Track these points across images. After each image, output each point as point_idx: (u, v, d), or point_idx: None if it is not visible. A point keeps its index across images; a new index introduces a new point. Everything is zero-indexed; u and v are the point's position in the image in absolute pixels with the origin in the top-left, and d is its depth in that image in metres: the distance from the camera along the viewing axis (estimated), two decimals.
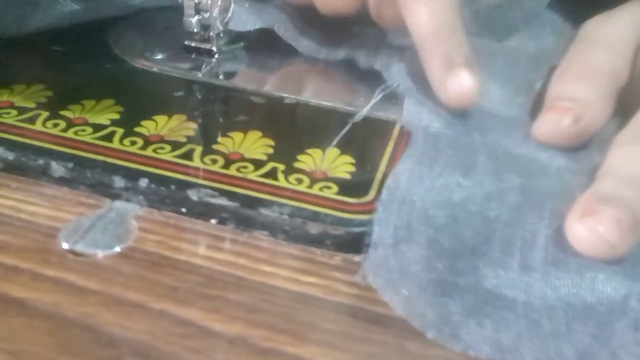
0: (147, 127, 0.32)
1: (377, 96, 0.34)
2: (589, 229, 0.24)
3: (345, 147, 0.32)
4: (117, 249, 0.26)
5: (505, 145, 0.30)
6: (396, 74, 0.35)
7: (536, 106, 0.33)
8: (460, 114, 0.32)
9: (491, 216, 0.26)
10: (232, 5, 0.40)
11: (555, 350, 0.21)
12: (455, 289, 0.24)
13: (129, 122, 0.32)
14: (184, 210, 0.28)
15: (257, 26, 0.39)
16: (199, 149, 0.31)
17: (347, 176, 0.30)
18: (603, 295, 0.23)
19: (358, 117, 0.33)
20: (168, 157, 0.30)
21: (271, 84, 0.37)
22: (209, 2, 0.38)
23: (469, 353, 0.22)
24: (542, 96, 0.33)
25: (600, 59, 0.32)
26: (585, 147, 0.30)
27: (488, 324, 0.22)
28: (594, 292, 0.23)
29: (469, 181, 0.28)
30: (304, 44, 0.39)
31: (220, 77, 0.38)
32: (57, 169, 0.29)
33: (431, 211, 0.26)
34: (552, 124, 0.30)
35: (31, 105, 0.33)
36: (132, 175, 0.29)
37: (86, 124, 0.32)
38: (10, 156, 0.30)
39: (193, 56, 0.39)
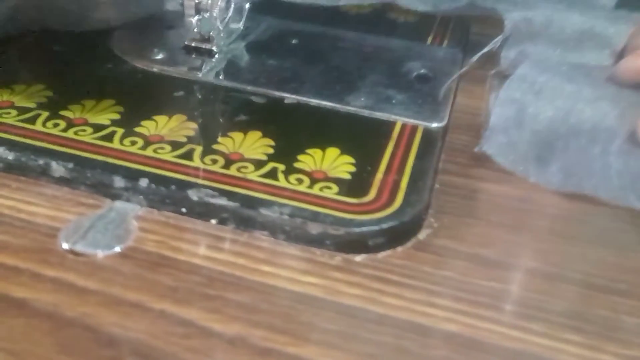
0: (147, 127, 0.32)
1: (497, 42, 0.39)
2: None
3: (345, 147, 0.32)
4: (117, 249, 0.26)
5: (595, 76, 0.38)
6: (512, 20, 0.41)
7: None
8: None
9: (583, 118, 0.34)
10: (232, 5, 0.40)
11: (624, 197, 0.31)
12: (550, 159, 0.33)
13: (129, 122, 0.32)
14: (184, 210, 0.28)
15: None
16: (199, 149, 0.31)
17: (347, 176, 0.30)
18: None
19: (473, 59, 0.38)
20: (168, 157, 0.30)
21: (271, 84, 0.37)
22: (209, 2, 0.38)
23: (561, 190, 0.31)
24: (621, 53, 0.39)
25: None
26: None
27: (574, 177, 0.32)
28: None
29: (571, 88, 0.35)
30: None
31: (220, 77, 0.38)
32: (57, 169, 0.29)
33: (537, 109, 0.34)
34: (630, 63, 0.36)
35: (31, 105, 0.33)
36: (132, 175, 0.29)
37: (86, 124, 0.32)
38: (11, 156, 0.30)
39: (193, 56, 0.39)
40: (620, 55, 0.38)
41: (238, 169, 0.30)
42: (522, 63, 0.37)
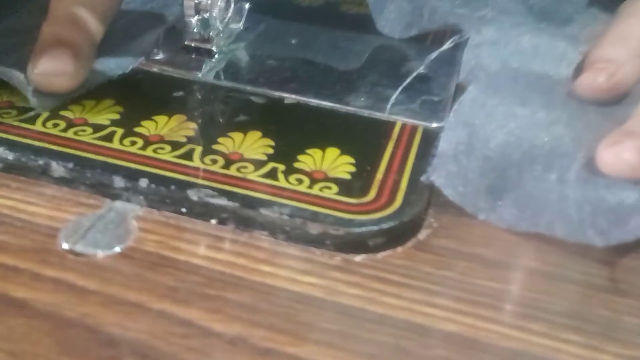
0: (147, 127, 0.32)
1: (450, 43, 0.38)
2: (614, 155, 0.29)
3: (345, 147, 0.32)
4: (117, 249, 0.26)
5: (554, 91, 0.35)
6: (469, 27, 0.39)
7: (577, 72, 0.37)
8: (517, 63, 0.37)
9: (537, 143, 0.31)
10: (232, 5, 0.40)
11: (581, 233, 0.27)
12: (502, 190, 0.29)
13: (128, 122, 0.32)
14: (184, 210, 0.28)
15: None
16: (198, 149, 0.31)
17: (347, 176, 0.30)
18: (622, 198, 0.28)
19: (431, 58, 0.38)
20: (168, 157, 0.30)
21: (271, 84, 0.37)
22: (209, 2, 0.38)
23: (511, 229, 0.28)
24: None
25: (631, 25, 0.36)
26: (621, 103, 0.34)
27: (528, 212, 0.28)
28: (615, 197, 0.28)
29: (523, 112, 0.33)
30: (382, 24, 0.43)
31: (220, 77, 0.38)
32: (57, 169, 0.29)
33: (488, 133, 0.32)
34: (589, 80, 0.34)
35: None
36: (132, 176, 0.29)
37: (86, 124, 0.32)
38: (10, 156, 0.30)
39: (193, 56, 0.39)
40: (579, 69, 0.36)
41: (238, 169, 0.30)
42: (476, 79, 0.35)
